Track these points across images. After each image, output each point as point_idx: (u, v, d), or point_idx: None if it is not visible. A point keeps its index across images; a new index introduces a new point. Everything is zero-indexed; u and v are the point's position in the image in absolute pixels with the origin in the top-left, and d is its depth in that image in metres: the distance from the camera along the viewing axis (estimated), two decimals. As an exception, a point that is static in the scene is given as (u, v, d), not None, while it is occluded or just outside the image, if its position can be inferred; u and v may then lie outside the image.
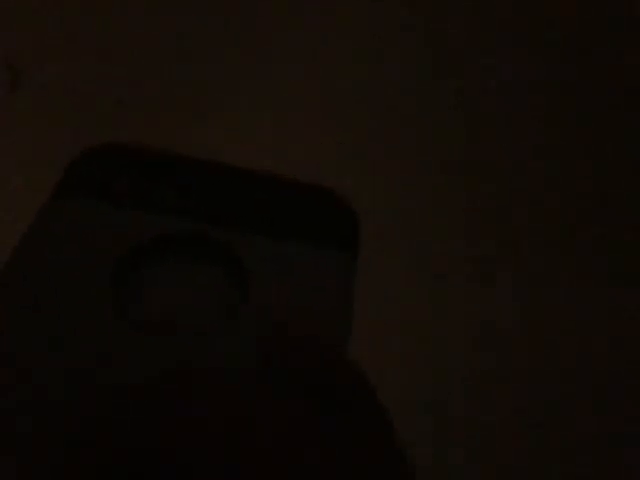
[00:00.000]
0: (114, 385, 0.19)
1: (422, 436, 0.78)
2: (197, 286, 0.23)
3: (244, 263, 0.24)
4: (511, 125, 1.02)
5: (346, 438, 0.18)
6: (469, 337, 0.90)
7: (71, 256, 0.23)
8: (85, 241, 0.23)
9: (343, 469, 0.17)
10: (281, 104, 1.04)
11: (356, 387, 0.20)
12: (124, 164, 0.26)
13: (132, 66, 1.07)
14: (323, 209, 0.26)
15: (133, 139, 0.26)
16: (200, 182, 0.26)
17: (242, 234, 0.25)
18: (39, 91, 1.04)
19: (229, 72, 1.07)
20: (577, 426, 0.84)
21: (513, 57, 1.05)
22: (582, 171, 0.99)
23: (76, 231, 0.24)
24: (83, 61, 1.07)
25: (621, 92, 1.02)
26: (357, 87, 1.05)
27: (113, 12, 1.08)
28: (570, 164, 0.99)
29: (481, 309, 0.91)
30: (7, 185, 0.99)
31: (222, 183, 0.26)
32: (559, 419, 0.84)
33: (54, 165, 0.28)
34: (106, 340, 0.21)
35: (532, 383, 0.86)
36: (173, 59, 1.08)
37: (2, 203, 0.99)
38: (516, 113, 1.03)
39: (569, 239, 0.96)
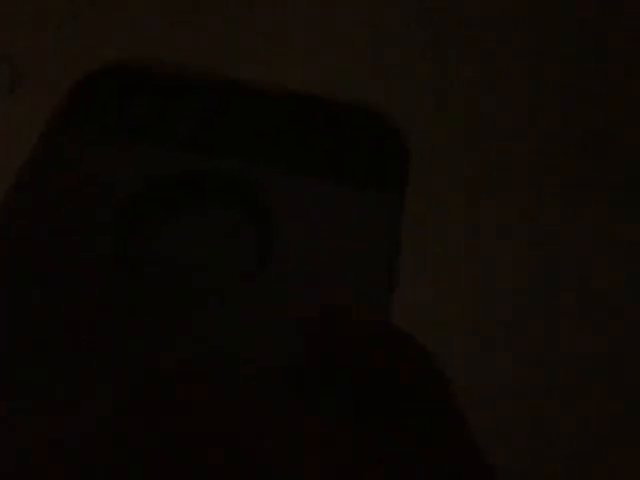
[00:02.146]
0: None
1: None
2: (211, 233, 0.19)
3: (268, 206, 0.19)
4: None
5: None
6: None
7: (70, 195, 0.20)
8: (86, 178, 0.20)
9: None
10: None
11: (431, 385, 0.16)
12: (131, 89, 0.22)
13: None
14: (366, 138, 0.21)
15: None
16: (220, 108, 0.21)
17: (267, 171, 0.20)
18: (39, 91, 1.04)
19: None
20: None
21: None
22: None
23: (76, 167, 0.20)
24: (83, 61, 1.06)
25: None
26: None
27: (113, 13, 1.08)
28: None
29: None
30: (7, 185, 0.99)
31: (245, 107, 0.21)
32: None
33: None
34: (105, 289, 0.18)
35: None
36: (174, 60, 1.07)
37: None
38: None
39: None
